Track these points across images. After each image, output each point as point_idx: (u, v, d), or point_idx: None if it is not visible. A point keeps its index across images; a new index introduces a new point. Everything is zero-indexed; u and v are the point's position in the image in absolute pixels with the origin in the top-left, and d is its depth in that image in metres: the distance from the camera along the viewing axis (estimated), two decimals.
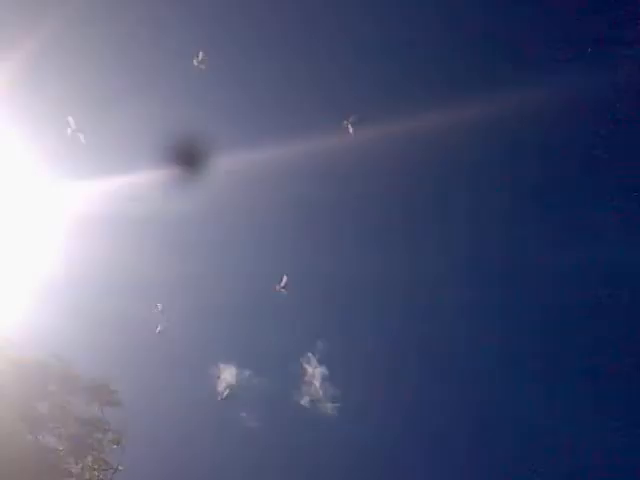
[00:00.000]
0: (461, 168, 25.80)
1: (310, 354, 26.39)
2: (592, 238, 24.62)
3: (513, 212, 25.70)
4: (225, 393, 25.31)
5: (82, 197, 25.42)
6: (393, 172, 25.84)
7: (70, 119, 20.59)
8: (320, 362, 26.32)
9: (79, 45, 25.38)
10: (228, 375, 26.49)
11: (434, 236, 26.51)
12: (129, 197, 25.14)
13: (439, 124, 23.82)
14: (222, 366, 26.54)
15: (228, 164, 24.38)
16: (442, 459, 25.71)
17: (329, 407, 26.22)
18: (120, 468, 20.17)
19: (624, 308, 23.80)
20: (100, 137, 25.52)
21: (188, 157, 24.49)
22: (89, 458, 19.80)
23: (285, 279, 22.83)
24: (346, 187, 26.28)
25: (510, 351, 25.72)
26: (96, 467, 19.79)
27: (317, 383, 26.30)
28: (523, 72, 24.15)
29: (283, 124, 25.77)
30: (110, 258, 24.89)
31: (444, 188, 26.32)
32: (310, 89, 26.09)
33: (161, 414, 24.75)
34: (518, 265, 25.45)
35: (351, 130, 22.24)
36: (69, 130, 21.13)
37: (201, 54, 22.34)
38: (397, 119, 24.08)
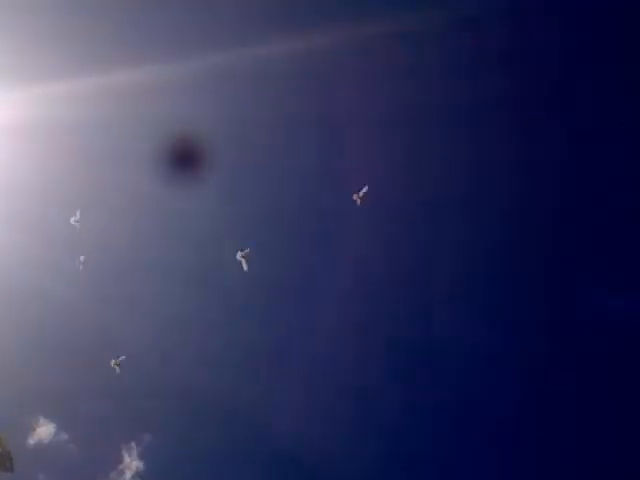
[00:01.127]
0: None
1: (134, 444, 25.12)
2: None
3: None
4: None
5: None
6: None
7: None
8: (140, 456, 25.04)
9: None
10: (44, 430, 24.52)
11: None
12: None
13: None
14: (42, 419, 24.58)
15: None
16: None
17: None
18: None
19: None
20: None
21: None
22: None
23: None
24: None
25: None
26: None
27: (129, 474, 24.95)
28: None
29: None
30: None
31: None
32: None
33: None
34: None
35: (359, 202, 23.93)
36: None
37: None
38: None
